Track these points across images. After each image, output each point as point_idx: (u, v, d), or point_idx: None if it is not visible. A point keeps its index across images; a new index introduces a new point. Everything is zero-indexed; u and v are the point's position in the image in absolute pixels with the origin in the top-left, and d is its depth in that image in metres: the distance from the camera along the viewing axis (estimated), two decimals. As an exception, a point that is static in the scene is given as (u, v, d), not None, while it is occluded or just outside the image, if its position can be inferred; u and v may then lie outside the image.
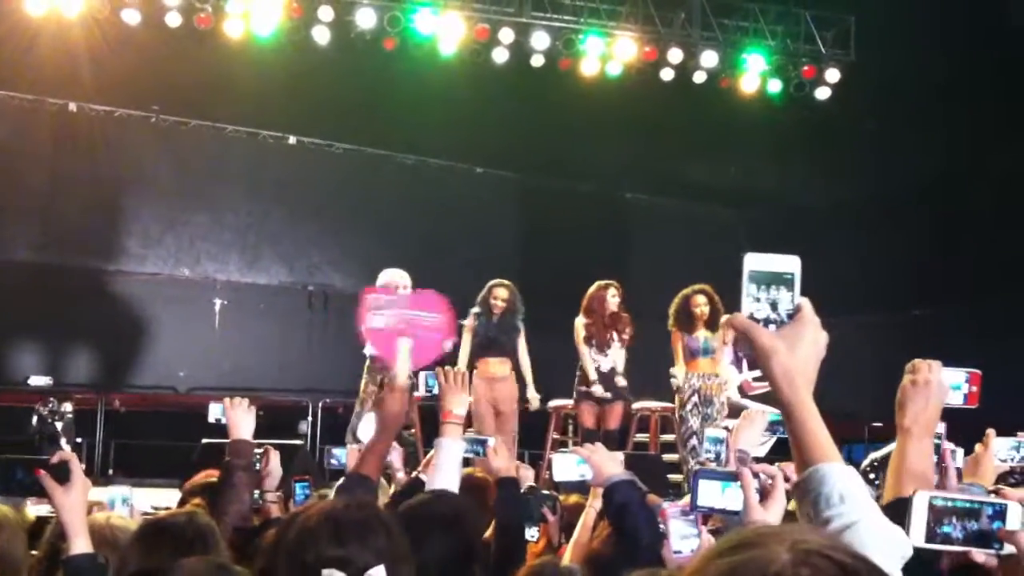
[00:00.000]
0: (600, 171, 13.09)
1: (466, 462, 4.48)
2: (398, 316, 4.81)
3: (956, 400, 3.27)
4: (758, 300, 2.16)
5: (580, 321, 9.82)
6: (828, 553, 1.51)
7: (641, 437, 10.06)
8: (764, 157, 12.92)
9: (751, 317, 2.15)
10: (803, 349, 2.13)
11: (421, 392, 5.32)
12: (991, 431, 3.72)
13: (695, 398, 8.96)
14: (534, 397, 9.54)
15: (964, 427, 3.63)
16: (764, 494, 3.08)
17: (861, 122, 12.69)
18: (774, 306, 2.17)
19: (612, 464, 3.96)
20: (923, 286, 12.35)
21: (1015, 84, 11.63)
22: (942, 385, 2.83)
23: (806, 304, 2.14)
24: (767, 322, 2.15)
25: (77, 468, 3.25)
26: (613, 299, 9.77)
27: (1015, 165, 11.55)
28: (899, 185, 12.66)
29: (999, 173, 11.78)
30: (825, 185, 13.05)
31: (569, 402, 9.86)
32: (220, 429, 4.87)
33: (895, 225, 12.74)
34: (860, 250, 12.77)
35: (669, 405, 9.45)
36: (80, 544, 3.15)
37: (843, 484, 2.08)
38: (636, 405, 9.73)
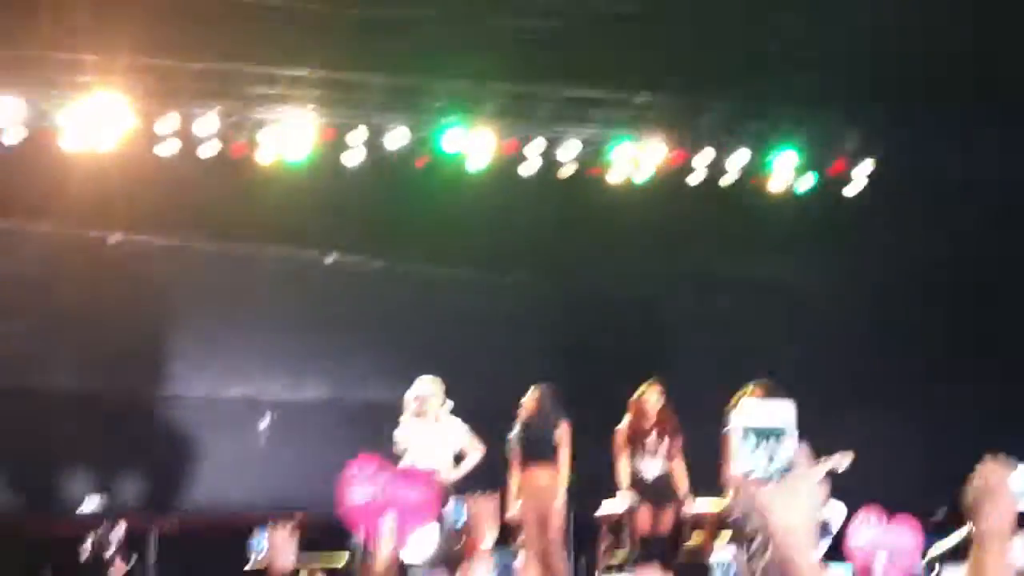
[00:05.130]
0: (636, 277, 13.16)
1: None
2: (381, 492, 4.74)
3: None
4: (754, 454, 2.15)
5: (622, 425, 9.80)
6: None
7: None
8: (794, 253, 12.98)
9: (749, 474, 2.16)
10: (800, 503, 2.12)
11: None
12: None
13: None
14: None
15: None
16: None
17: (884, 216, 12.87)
18: (770, 460, 2.17)
19: None
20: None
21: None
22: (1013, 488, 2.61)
23: (801, 457, 2.14)
24: (764, 478, 2.15)
25: None
26: (656, 401, 9.78)
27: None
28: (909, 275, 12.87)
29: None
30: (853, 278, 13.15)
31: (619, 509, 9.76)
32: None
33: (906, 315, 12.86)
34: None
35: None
36: None
37: None
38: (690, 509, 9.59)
